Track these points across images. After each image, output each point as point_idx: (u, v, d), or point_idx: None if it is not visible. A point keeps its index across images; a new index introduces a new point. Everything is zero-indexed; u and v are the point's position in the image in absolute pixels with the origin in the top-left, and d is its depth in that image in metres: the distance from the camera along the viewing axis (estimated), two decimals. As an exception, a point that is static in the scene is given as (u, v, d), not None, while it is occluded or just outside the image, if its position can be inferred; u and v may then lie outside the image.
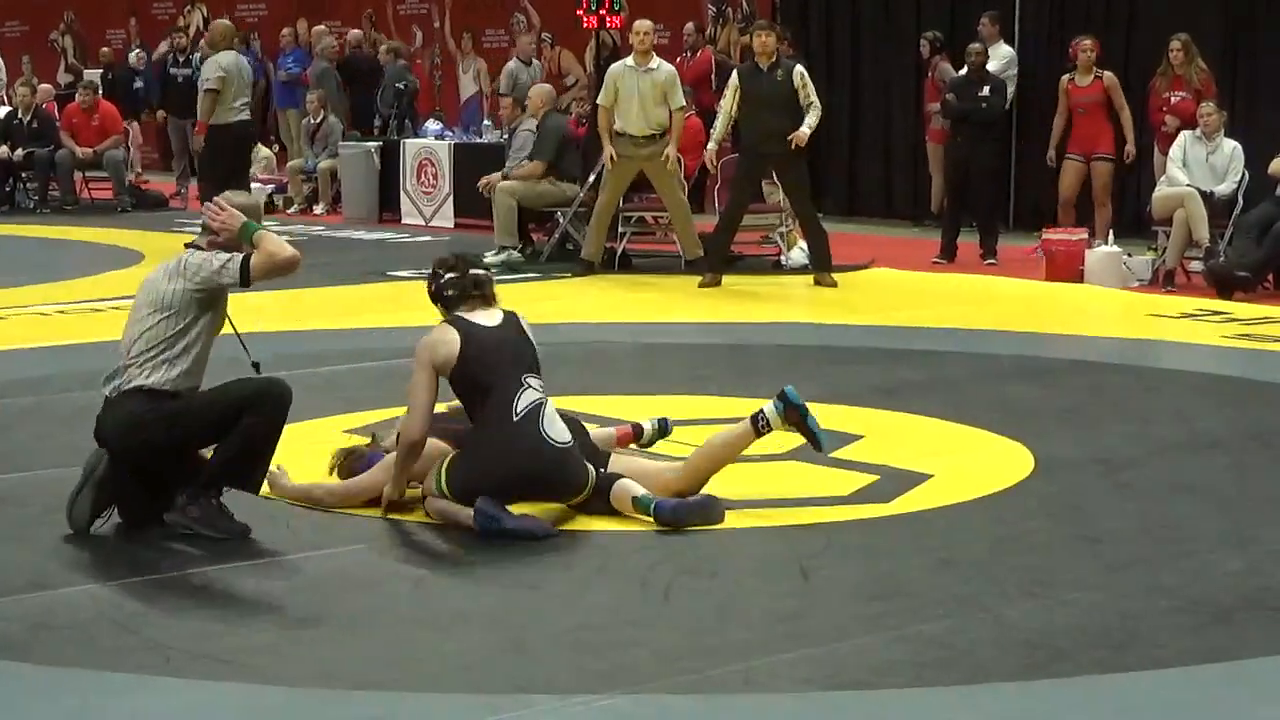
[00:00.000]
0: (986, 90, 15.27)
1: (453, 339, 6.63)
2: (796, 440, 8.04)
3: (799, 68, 13.94)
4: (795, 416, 6.90)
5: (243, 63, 16.62)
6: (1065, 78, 15.36)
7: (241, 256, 6.49)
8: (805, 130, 13.55)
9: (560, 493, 6.66)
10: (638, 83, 14.10)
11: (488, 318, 6.75)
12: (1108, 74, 15.22)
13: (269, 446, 6.52)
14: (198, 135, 16.47)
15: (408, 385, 6.72)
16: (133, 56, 24.14)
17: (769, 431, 6.93)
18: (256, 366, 6.68)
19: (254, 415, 6.43)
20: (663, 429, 7.53)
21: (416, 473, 6.91)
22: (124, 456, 6.50)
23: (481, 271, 6.90)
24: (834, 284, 13.71)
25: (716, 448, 6.97)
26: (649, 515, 6.62)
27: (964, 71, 15.76)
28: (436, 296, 6.90)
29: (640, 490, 6.70)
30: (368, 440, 7.46)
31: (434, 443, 6.80)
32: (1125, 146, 15.10)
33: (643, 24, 14.61)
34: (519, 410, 6.55)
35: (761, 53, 13.76)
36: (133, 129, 23.13)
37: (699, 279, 13.81)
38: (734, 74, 14.17)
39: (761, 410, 6.91)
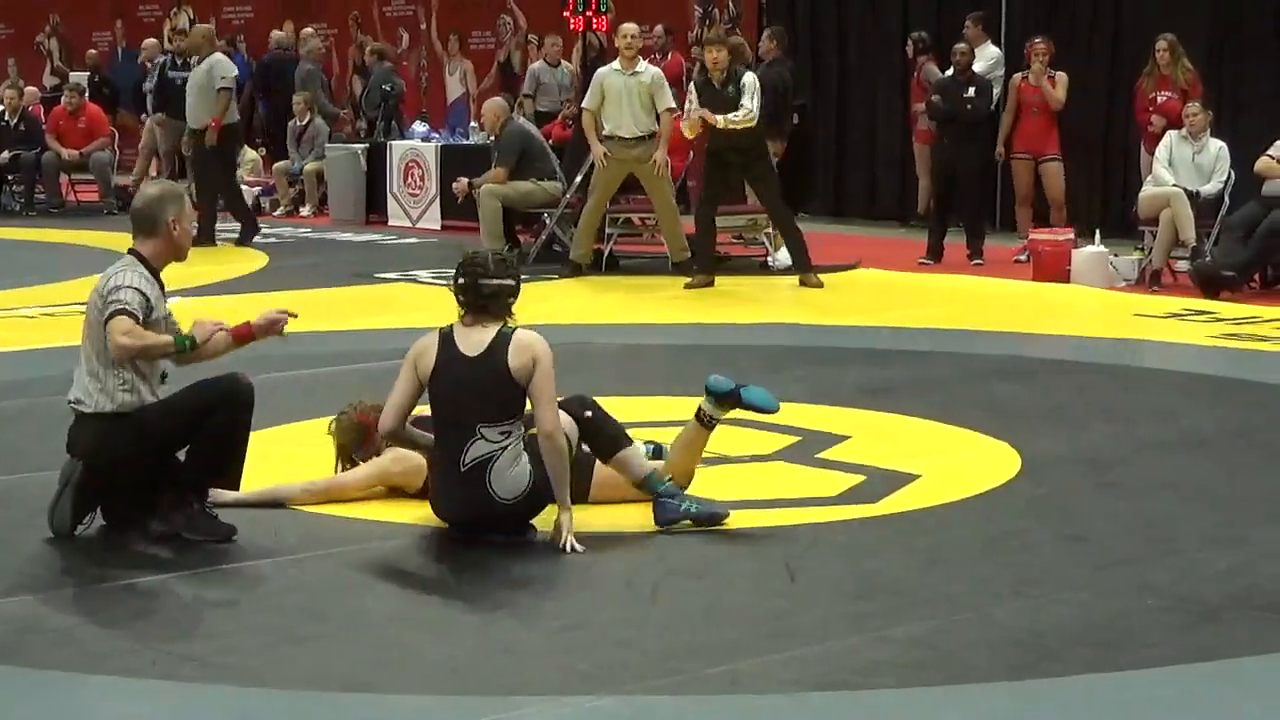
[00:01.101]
0: (972, 91, 15.28)
1: (430, 358, 6.46)
2: (783, 441, 8.07)
3: (748, 77, 13.85)
4: (731, 403, 6.88)
5: None
6: (1018, 76, 15.49)
7: (118, 310, 6.29)
8: (717, 117, 13.49)
9: (520, 532, 6.55)
10: (624, 86, 14.11)
11: (476, 341, 6.43)
12: (1060, 74, 15.31)
13: (241, 442, 6.49)
14: (212, 131, 16.52)
15: None
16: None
17: (714, 424, 6.90)
18: (163, 377, 6.58)
19: (220, 414, 6.41)
20: (656, 455, 7.33)
21: (389, 475, 6.98)
22: (98, 471, 6.48)
23: (491, 283, 6.49)
24: (819, 284, 13.70)
25: (682, 449, 6.95)
26: (650, 492, 6.65)
27: (949, 73, 15.78)
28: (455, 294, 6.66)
29: (648, 469, 6.71)
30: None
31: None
32: (1045, 78, 15.13)
33: (629, 28, 14.62)
34: (466, 462, 6.37)
35: (713, 68, 13.73)
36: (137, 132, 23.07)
37: (686, 280, 13.82)
38: (691, 84, 14.14)
39: (700, 407, 6.89)
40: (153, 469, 6.53)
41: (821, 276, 13.86)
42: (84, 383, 6.47)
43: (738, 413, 7.09)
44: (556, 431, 6.35)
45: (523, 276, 6.77)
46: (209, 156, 16.72)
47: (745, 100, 13.61)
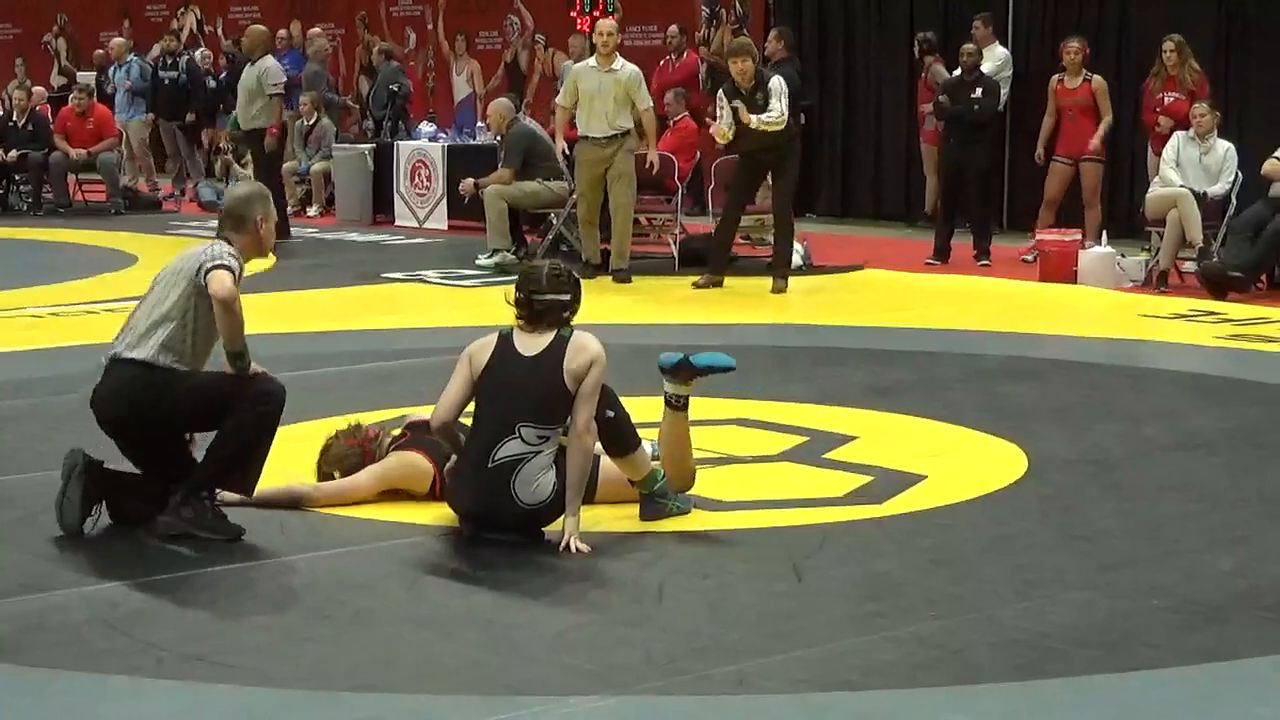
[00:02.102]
0: (979, 92, 15.27)
1: (485, 355, 6.54)
2: (790, 441, 8.08)
3: (775, 81, 13.77)
4: (686, 375, 6.88)
5: None
6: (1055, 78, 15.39)
7: (224, 265, 6.44)
8: (751, 116, 13.44)
9: (528, 535, 6.56)
10: (600, 83, 14.04)
11: (534, 343, 6.52)
12: (1097, 78, 15.23)
13: (263, 446, 6.51)
14: (272, 139, 16.71)
15: None
16: (199, 55, 23.87)
17: (684, 402, 6.89)
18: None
19: (247, 412, 6.43)
20: (655, 457, 7.45)
21: (395, 478, 7.00)
22: (110, 424, 6.53)
23: (545, 299, 6.55)
24: (783, 289, 13.61)
25: (669, 443, 6.94)
26: (647, 491, 6.71)
27: (957, 73, 15.77)
28: None
29: (650, 468, 6.75)
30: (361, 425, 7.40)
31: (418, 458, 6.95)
32: (1093, 140, 15.04)
33: (605, 24, 14.62)
34: (496, 458, 6.42)
35: (741, 78, 13.65)
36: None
37: (694, 280, 13.83)
38: (720, 92, 14.09)
39: (664, 392, 6.90)
40: (159, 447, 6.55)
41: (829, 277, 13.83)
42: (130, 339, 6.52)
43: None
44: (587, 433, 6.42)
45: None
46: (255, 157, 16.86)
47: (774, 102, 13.58)
